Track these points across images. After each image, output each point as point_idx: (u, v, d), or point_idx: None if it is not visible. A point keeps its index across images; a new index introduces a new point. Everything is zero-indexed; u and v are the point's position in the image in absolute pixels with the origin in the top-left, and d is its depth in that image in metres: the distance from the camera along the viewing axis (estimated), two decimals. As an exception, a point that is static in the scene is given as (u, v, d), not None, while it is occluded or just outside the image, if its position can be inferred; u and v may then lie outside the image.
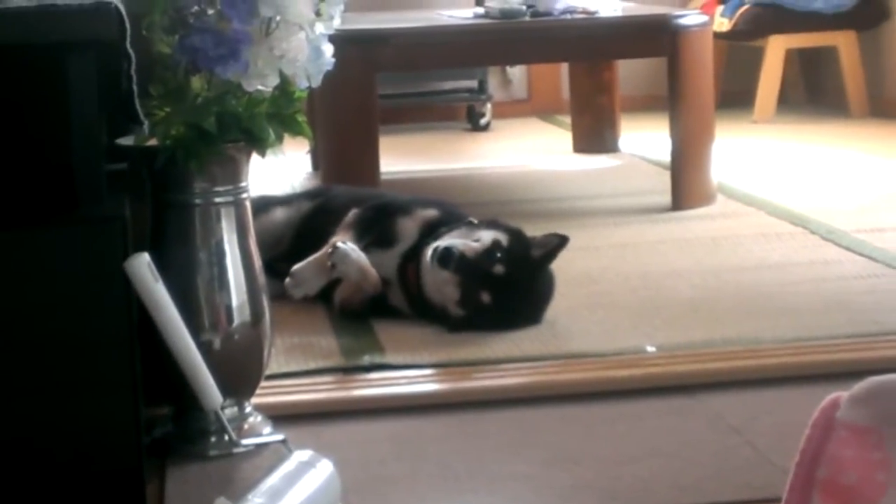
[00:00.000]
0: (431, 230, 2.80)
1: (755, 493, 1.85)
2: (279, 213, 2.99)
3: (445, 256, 2.63)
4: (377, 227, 2.84)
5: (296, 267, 2.75)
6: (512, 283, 2.65)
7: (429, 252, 2.66)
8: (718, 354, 2.47)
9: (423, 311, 2.73)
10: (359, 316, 2.76)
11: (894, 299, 2.80)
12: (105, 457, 1.72)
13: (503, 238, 2.68)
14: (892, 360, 2.36)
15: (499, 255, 2.64)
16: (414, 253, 2.77)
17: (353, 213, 2.88)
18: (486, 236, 2.68)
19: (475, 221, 2.80)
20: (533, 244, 2.70)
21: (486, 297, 2.63)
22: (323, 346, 2.60)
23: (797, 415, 1.84)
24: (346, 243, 2.75)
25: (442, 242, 2.67)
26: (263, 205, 2.89)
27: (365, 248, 2.79)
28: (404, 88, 5.63)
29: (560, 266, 3.07)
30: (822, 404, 1.32)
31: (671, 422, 2.17)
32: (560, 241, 2.70)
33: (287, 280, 2.74)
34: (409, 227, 2.83)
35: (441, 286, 2.65)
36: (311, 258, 2.76)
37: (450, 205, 2.97)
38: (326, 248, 2.74)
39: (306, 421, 2.20)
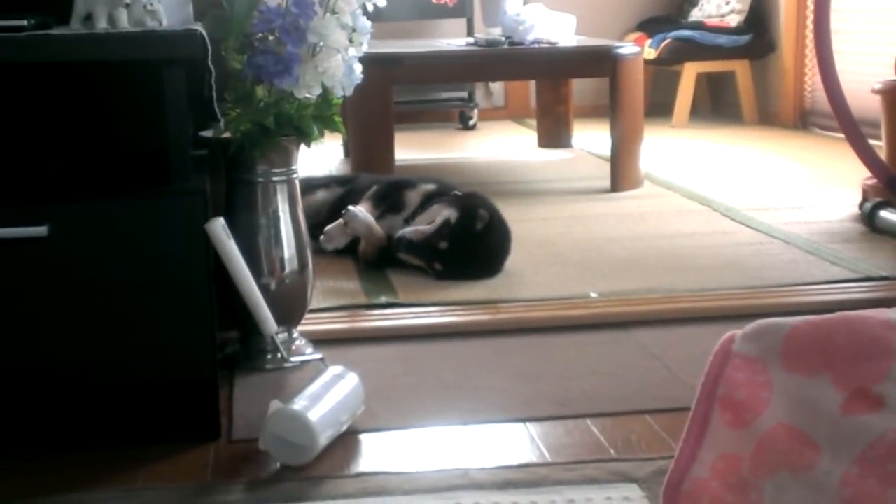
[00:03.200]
0: (429, 199, 2.81)
1: (670, 404, 1.85)
2: (320, 194, 3.00)
3: (398, 243, 2.69)
4: (390, 197, 2.85)
5: (327, 227, 2.79)
6: (455, 252, 2.65)
7: (393, 241, 2.71)
8: (644, 300, 2.46)
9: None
10: (375, 266, 2.76)
11: (774, 261, 2.80)
12: (189, 369, 1.72)
13: (454, 216, 2.67)
14: (773, 306, 2.36)
15: (444, 233, 2.65)
16: (413, 216, 2.79)
17: (374, 188, 2.90)
18: (441, 217, 2.68)
19: (459, 193, 2.81)
20: (477, 217, 2.68)
21: (437, 265, 2.65)
22: (350, 288, 2.59)
23: (702, 346, 1.84)
24: (356, 207, 2.78)
25: (401, 231, 2.71)
26: (308, 187, 2.89)
27: (381, 214, 2.81)
28: (413, 97, 5.60)
29: (525, 232, 3.08)
30: (722, 339, 1.32)
31: (608, 350, 2.17)
32: (489, 216, 2.69)
33: (321, 237, 2.77)
34: (412, 197, 2.84)
35: (407, 260, 2.70)
36: (336, 222, 2.79)
37: (446, 182, 2.96)
38: (344, 211, 2.78)
39: (338, 344, 2.20)
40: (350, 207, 2.77)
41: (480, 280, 2.64)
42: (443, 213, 2.70)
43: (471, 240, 2.67)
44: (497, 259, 2.72)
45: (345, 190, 3.00)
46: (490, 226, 2.69)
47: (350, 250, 2.83)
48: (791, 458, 1.18)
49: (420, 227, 2.70)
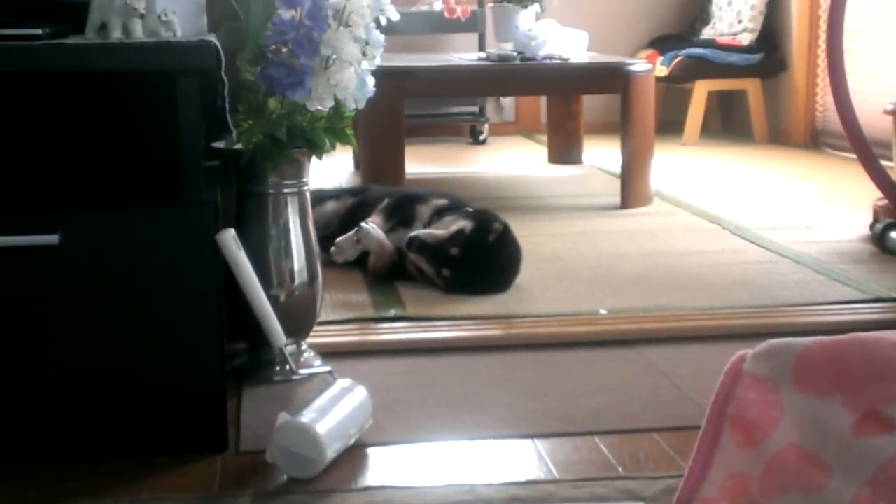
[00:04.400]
0: (441, 213, 2.80)
1: (678, 422, 1.84)
2: (330, 205, 3.00)
3: (410, 242, 2.67)
4: (401, 211, 2.86)
5: (338, 239, 2.80)
6: (466, 260, 2.64)
7: (405, 240, 2.69)
8: (653, 317, 2.46)
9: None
10: (384, 279, 2.76)
11: (784, 280, 2.79)
12: (197, 380, 1.72)
13: (468, 226, 2.67)
14: (783, 326, 2.35)
15: (457, 240, 2.64)
16: (425, 227, 2.79)
17: (386, 201, 2.90)
18: (455, 225, 2.67)
19: (470, 209, 2.81)
20: (490, 230, 2.68)
21: (446, 272, 2.64)
22: (359, 301, 2.59)
23: (711, 365, 1.83)
24: (368, 223, 2.78)
25: (413, 232, 2.68)
26: (319, 198, 2.89)
27: (393, 227, 2.81)
28: (424, 111, 5.61)
29: (535, 248, 3.08)
30: (733, 358, 1.32)
31: (616, 367, 2.16)
32: (503, 228, 2.69)
33: (332, 248, 2.77)
34: (424, 212, 2.84)
35: (416, 262, 2.68)
36: (347, 234, 2.79)
37: (456, 197, 2.97)
38: (356, 228, 2.77)
39: (347, 357, 2.19)
40: (363, 224, 2.77)
41: (488, 295, 2.63)
42: (458, 223, 2.69)
43: (482, 251, 2.66)
44: (506, 274, 2.71)
45: (356, 201, 3.00)
46: (503, 239, 2.69)
47: (359, 263, 2.83)
48: (801, 480, 1.17)
49: (433, 230, 2.69)
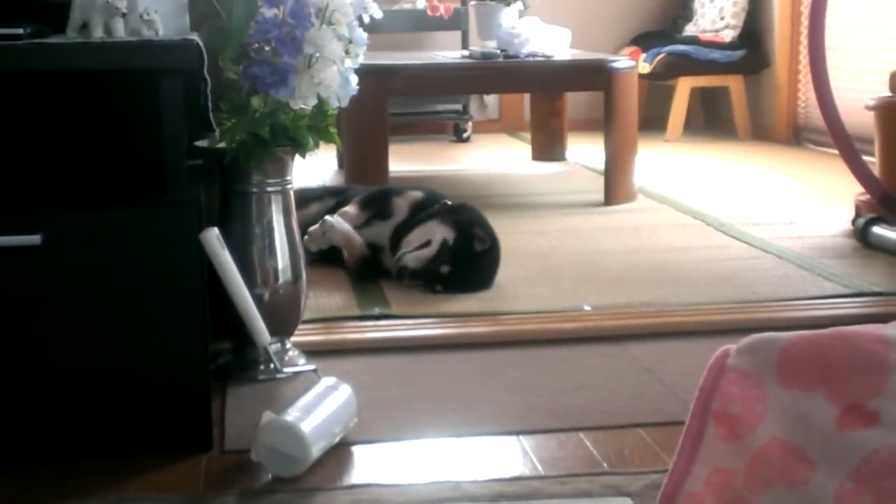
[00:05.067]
0: (419, 208, 2.81)
1: (663, 417, 1.85)
2: (314, 207, 2.97)
3: (400, 274, 2.66)
4: (377, 204, 2.85)
5: (310, 229, 2.75)
6: (456, 274, 2.65)
7: (394, 266, 2.68)
8: (637, 313, 2.46)
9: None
10: (364, 277, 2.75)
11: (767, 275, 2.80)
12: (181, 379, 1.72)
13: (451, 237, 2.66)
14: (766, 321, 2.36)
15: (444, 257, 2.64)
16: (404, 227, 2.77)
17: (362, 194, 2.90)
18: (437, 238, 2.67)
19: (449, 203, 2.80)
20: (475, 237, 2.68)
21: (439, 287, 2.64)
22: (344, 299, 2.59)
23: (694, 360, 1.84)
24: (334, 217, 2.77)
25: (401, 259, 2.66)
26: (303, 199, 2.88)
27: (368, 220, 2.80)
28: (408, 109, 5.61)
29: (519, 245, 3.09)
30: (717, 353, 1.32)
31: (600, 362, 2.16)
32: (493, 244, 2.69)
33: (304, 237, 2.73)
34: (401, 205, 2.84)
35: (409, 286, 2.66)
36: (317, 225, 2.76)
37: (433, 191, 2.96)
38: (321, 220, 2.76)
39: (331, 355, 2.19)
40: (327, 217, 2.76)
41: (476, 293, 2.63)
42: (438, 235, 2.68)
43: (471, 261, 2.67)
44: (493, 274, 2.72)
45: (336, 202, 3.00)
46: (488, 250, 2.69)
47: (341, 262, 2.82)
48: (785, 473, 1.18)
49: (419, 252, 2.67)
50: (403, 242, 2.73)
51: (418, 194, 2.87)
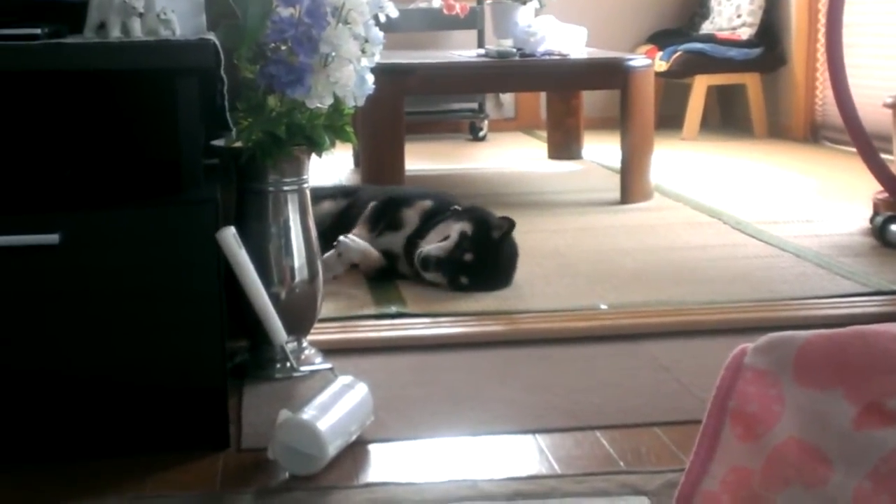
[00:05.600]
0: (429, 217, 2.79)
1: (680, 416, 1.84)
2: (326, 204, 2.96)
3: (424, 263, 2.65)
4: (387, 216, 2.83)
5: (324, 256, 2.65)
6: (479, 262, 2.64)
7: (416, 260, 2.66)
8: (654, 312, 2.46)
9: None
10: (382, 279, 2.75)
11: (785, 273, 2.79)
12: (199, 378, 1.72)
13: (469, 228, 2.67)
14: (784, 319, 2.36)
15: (465, 245, 2.64)
16: (417, 235, 2.76)
17: (370, 207, 2.88)
18: (455, 231, 2.67)
19: (459, 208, 2.80)
20: (492, 226, 2.69)
21: (464, 279, 2.64)
22: (361, 298, 2.59)
23: (711, 359, 1.83)
24: (347, 237, 2.74)
25: (423, 250, 2.65)
26: (316, 198, 2.87)
27: (380, 233, 2.80)
28: (424, 107, 5.61)
29: (535, 244, 3.08)
30: (734, 352, 1.31)
31: (617, 361, 2.16)
32: (510, 225, 2.70)
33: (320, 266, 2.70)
34: (411, 216, 2.82)
35: (433, 279, 2.66)
36: (331, 252, 2.72)
37: (443, 194, 2.95)
38: (335, 242, 2.74)
39: (348, 353, 2.19)
40: (342, 238, 2.73)
41: (499, 289, 2.64)
42: (454, 228, 2.69)
43: (492, 248, 2.67)
44: (514, 265, 2.72)
45: (346, 203, 2.98)
46: (506, 233, 2.69)
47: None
48: (803, 473, 1.17)
49: (441, 244, 2.66)
50: (420, 244, 2.72)
51: (427, 203, 2.85)
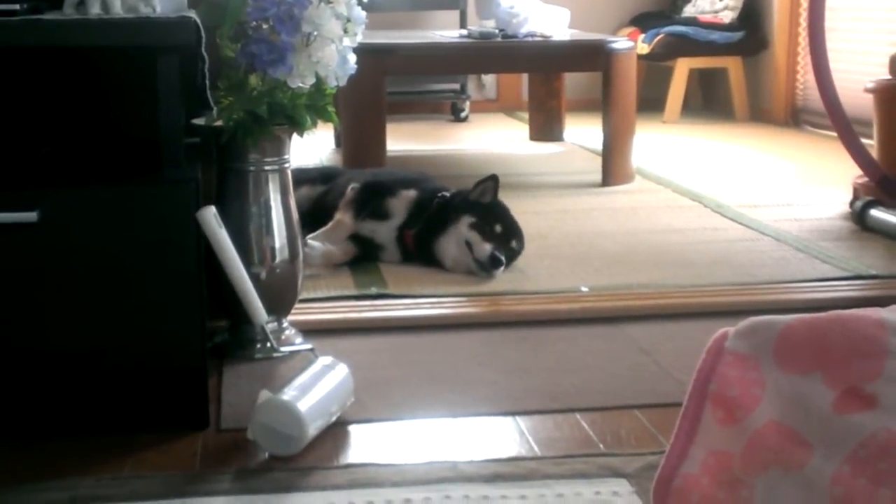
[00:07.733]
0: (416, 207, 2.77)
1: (660, 399, 1.85)
2: (304, 189, 2.89)
3: (494, 266, 2.61)
4: (370, 204, 2.79)
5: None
6: (507, 233, 2.73)
7: (483, 258, 2.61)
8: (634, 295, 2.46)
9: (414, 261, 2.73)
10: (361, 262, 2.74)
11: (765, 257, 2.80)
12: (178, 357, 1.71)
13: (478, 217, 2.69)
14: (763, 303, 2.36)
15: (502, 234, 2.70)
16: (408, 224, 2.74)
17: (350, 191, 2.82)
18: (476, 231, 2.66)
19: (447, 195, 2.78)
20: (484, 192, 2.74)
21: (514, 244, 2.73)
22: (341, 279, 2.59)
23: (691, 342, 1.84)
24: (313, 241, 2.67)
25: (492, 254, 2.61)
26: (296, 181, 2.83)
27: (364, 220, 2.76)
28: (406, 88, 5.60)
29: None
30: (715, 335, 1.31)
31: (598, 344, 2.16)
32: (495, 182, 2.75)
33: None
34: (398, 206, 2.78)
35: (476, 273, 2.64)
36: (305, 250, 2.57)
37: (427, 180, 2.92)
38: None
39: (328, 334, 2.19)
40: (308, 240, 2.64)
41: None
42: (465, 219, 2.68)
43: (501, 213, 2.76)
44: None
45: (323, 190, 2.92)
46: (495, 192, 2.76)
47: (358, 259, 2.78)
48: (782, 456, 1.17)
49: (485, 244, 2.63)
50: (436, 250, 2.70)
51: (412, 193, 2.80)
